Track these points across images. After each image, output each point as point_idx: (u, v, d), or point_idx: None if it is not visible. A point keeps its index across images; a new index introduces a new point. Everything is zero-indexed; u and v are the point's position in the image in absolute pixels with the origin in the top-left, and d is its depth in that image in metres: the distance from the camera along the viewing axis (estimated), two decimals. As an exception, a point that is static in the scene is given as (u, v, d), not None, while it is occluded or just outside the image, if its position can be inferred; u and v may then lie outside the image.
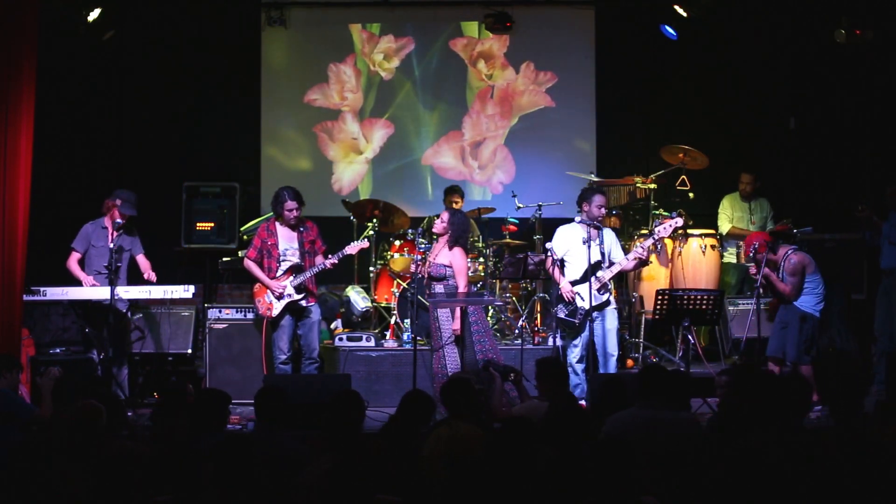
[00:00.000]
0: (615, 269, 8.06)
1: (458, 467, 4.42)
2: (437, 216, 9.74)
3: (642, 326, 9.20)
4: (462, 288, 7.88)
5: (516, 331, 9.03)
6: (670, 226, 8.27)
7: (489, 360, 7.63)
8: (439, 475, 4.70)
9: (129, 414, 7.55)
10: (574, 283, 8.03)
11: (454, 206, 9.87)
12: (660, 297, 7.80)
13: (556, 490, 4.21)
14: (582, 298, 7.98)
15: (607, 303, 8.01)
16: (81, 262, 8.52)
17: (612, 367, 7.99)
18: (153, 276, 8.40)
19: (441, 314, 7.86)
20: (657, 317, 7.92)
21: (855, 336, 9.14)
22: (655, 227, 8.51)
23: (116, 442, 5.01)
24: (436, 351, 7.83)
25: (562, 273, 8.04)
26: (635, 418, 5.29)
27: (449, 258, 7.94)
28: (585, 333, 7.97)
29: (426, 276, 8.01)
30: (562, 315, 8.03)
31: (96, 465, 4.44)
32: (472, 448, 4.88)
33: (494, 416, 6.50)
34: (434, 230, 8.16)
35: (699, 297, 7.76)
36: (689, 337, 7.92)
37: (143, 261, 8.58)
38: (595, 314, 7.86)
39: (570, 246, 8.08)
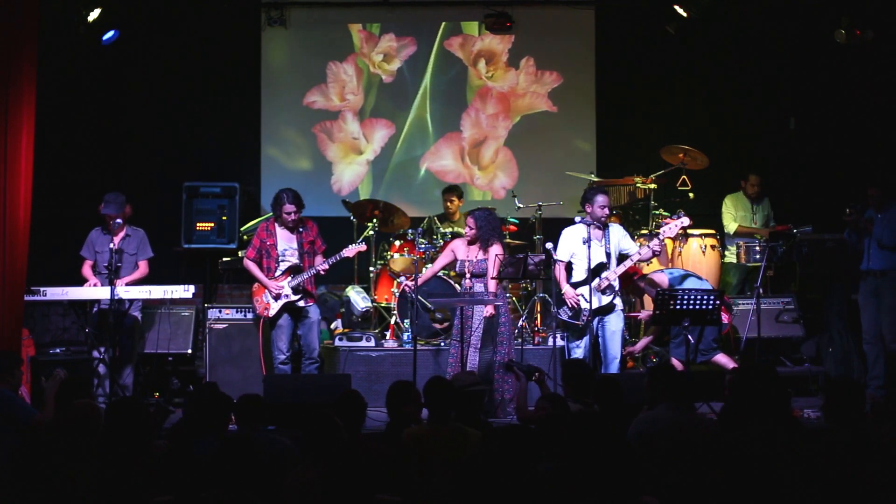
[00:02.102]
0: (620, 270, 8.03)
1: (461, 469, 4.42)
2: (437, 216, 9.91)
3: (642, 327, 9.20)
4: (491, 277, 8.00)
5: (516, 331, 9.02)
6: (676, 226, 8.24)
7: (512, 360, 7.63)
8: (421, 476, 4.70)
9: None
10: (579, 284, 8.02)
11: (449, 204, 9.90)
12: (660, 297, 7.79)
13: (556, 490, 4.21)
14: (586, 300, 7.97)
15: (612, 305, 8.00)
16: (94, 268, 8.54)
17: (614, 370, 7.98)
18: (122, 281, 8.34)
19: (477, 312, 7.91)
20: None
21: (854, 335, 9.13)
22: (662, 226, 8.47)
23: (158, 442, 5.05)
24: (463, 348, 7.86)
25: (568, 275, 8.03)
26: (662, 419, 5.31)
27: (485, 254, 8.05)
28: (590, 333, 7.98)
29: (468, 274, 8.04)
30: (564, 317, 8.03)
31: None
32: (454, 451, 4.87)
33: (520, 415, 6.50)
34: (466, 238, 8.17)
35: (699, 297, 7.76)
36: (689, 337, 7.91)
37: (141, 267, 8.57)
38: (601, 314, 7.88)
39: (576, 247, 8.07)
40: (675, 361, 8.14)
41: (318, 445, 4.64)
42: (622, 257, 8.11)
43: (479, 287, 8.05)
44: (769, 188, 10.23)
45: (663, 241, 8.25)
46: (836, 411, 4.89)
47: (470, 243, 8.18)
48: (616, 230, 8.14)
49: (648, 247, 8.11)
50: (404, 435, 5.22)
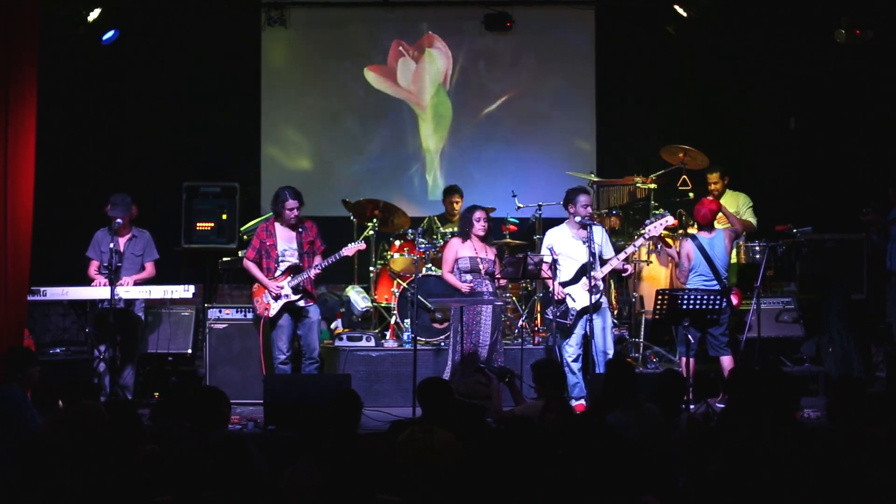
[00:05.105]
0: (606, 270, 8.09)
1: (463, 467, 4.41)
2: (438, 216, 9.92)
3: (642, 326, 9.20)
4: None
5: (516, 331, 9.04)
6: (661, 225, 8.30)
7: (482, 363, 7.67)
8: (413, 479, 4.69)
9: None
10: (566, 284, 8.06)
11: (455, 205, 9.93)
12: (660, 297, 7.80)
13: (557, 490, 4.20)
14: (573, 299, 8.01)
15: (598, 304, 8.02)
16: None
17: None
18: (128, 281, 8.34)
19: (486, 310, 8.01)
20: (657, 317, 7.92)
21: (855, 335, 9.13)
22: (646, 225, 8.52)
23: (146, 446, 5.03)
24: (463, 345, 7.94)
25: (554, 274, 8.06)
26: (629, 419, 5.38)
27: (493, 253, 8.16)
28: (579, 332, 8.01)
29: (485, 273, 8.09)
30: (551, 316, 8.06)
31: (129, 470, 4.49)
32: (448, 456, 4.86)
33: (495, 416, 6.51)
34: (477, 233, 8.19)
35: (699, 297, 7.77)
36: (689, 337, 7.92)
37: (147, 268, 8.58)
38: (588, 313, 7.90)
39: (561, 247, 8.12)
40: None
41: (310, 445, 4.64)
42: (601, 261, 8.14)
43: (489, 285, 8.12)
44: (769, 188, 10.23)
45: (648, 240, 8.32)
46: (840, 411, 4.90)
47: (483, 239, 8.22)
48: (599, 231, 8.19)
49: (633, 246, 8.28)
50: (398, 441, 5.21)
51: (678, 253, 8.52)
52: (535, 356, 8.53)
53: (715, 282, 8.23)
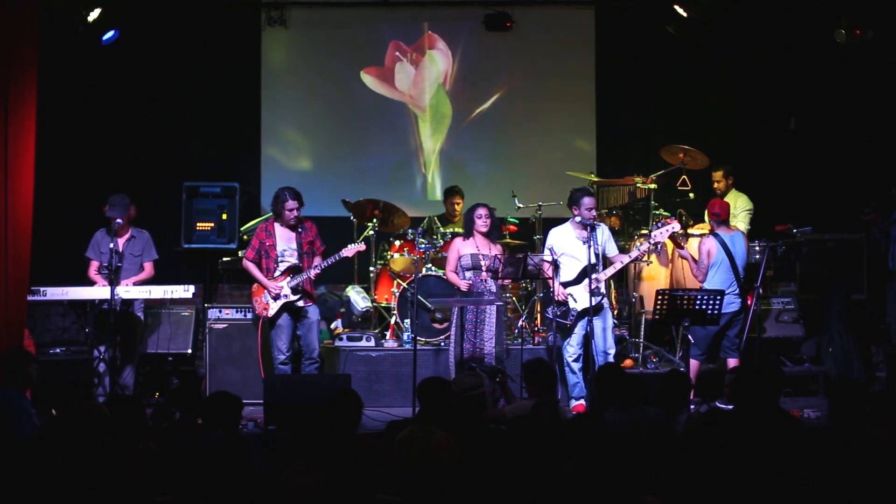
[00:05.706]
0: (609, 272, 8.08)
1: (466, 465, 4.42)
2: (439, 216, 9.92)
3: (642, 326, 9.20)
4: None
5: (516, 331, 9.04)
6: (667, 231, 8.28)
7: (473, 362, 7.68)
8: (411, 479, 4.70)
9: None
10: (568, 284, 8.05)
11: (456, 206, 9.93)
12: (660, 297, 7.80)
13: (557, 490, 4.20)
14: (575, 300, 8.00)
15: (600, 306, 8.01)
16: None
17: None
18: (128, 283, 8.37)
19: (489, 310, 8.08)
20: (657, 317, 7.91)
21: (855, 335, 9.13)
22: (652, 230, 8.52)
23: (142, 444, 5.02)
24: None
25: (555, 274, 8.06)
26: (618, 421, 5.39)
27: (497, 251, 8.18)
28: (580, 332, 8.01)
29: (486, 270, 8.10)
30: (551, 316, 8.05)
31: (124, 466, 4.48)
32: (445, 458, 4.86)
33: (487, 416, 6.51)
34: (479, 230, 8.21)
35: (699, 297, 7.77)
36: (689, 337, 7.92)
37: (146, 268, 8.59)
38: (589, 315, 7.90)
39: (563, 247, 8.12)
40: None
41: (310, 445, 4.64)
42: (604, 259, 8.13)
43: (492, 283, 8.12)
44: (770, 188, 10.23)
45: (653, 245, 8.31)
46: (840, 411, 4.91)
47: (486, 236, 8.22)
48: (602, 231, 8.18)
49: (638, 249, 8.30)
50: (396, 439, 5.21)
51: (693, 252, 8.47)
52: (535, 356, 8.54)
53: (734, 280, 8.23)
